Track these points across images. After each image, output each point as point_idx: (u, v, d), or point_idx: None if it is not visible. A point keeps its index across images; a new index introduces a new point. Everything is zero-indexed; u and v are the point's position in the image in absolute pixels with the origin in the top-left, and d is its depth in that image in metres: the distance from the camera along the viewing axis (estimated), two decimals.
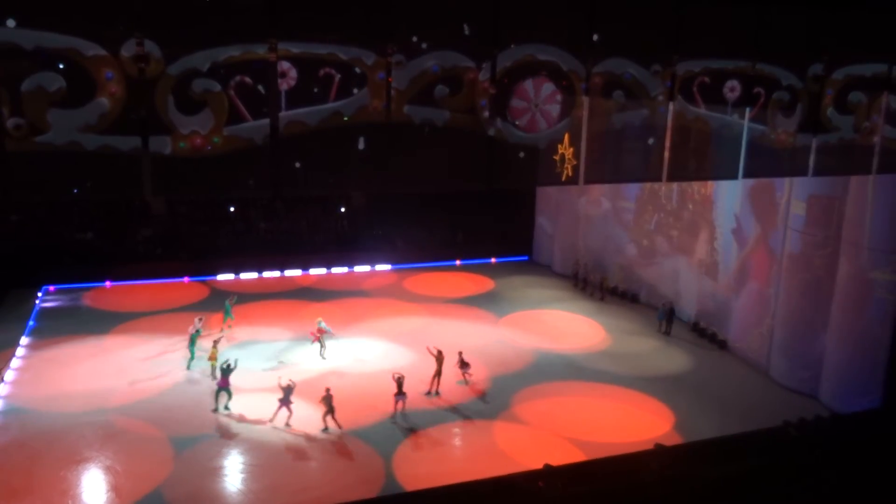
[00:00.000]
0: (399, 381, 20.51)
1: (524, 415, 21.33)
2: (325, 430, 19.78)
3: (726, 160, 17.09)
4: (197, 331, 23.81)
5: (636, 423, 21.08)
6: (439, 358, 22.13)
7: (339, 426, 19.80)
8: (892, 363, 21.06)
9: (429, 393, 21.99)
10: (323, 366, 24.00)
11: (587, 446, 19.36)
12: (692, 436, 19.90)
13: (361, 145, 13.61)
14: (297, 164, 13.33)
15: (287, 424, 19.86)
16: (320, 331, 24.68)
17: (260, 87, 12.73)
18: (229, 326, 26.49)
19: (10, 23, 11.04)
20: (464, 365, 22.90)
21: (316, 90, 13.12)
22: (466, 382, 22.90)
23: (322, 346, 24.66)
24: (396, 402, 20.63)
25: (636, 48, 15.42)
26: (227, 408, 20.73)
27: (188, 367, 23.26)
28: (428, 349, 22.62)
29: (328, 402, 19.73)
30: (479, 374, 23.75)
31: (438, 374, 22.10)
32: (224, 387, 20.65)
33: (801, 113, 17.15)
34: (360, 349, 25.56)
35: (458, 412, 21.30)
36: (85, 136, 11.86)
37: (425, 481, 17.08)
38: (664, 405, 22.25)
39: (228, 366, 20.67)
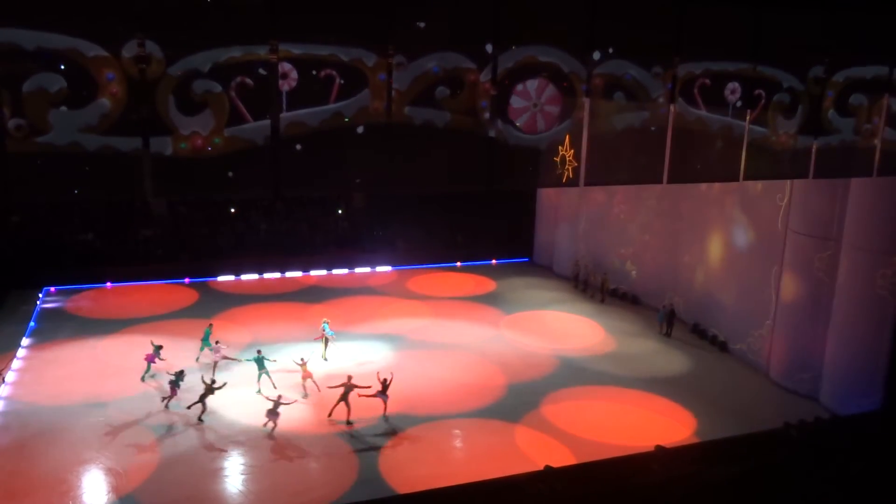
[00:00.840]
0: (276, 401, 19.55)
1: (535, 419, 21.29)
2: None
3: (727, 162, 17.09)
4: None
5: (657, 427, 20.97)
6: (348, 385, 20.20)
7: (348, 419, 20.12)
8: (893, 365, 21.06)
9: (349, 422, 20.21)
10: (325, 367, 23.93)
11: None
12: (700, 437, 19.94)
13: (361, 130, 13.53)
14: (298, 146, 13.20)
15: (384, 416, 20.66)
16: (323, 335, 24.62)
17: (261, 71, 12.65)
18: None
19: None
20: (383, 392, 20.59)
21: (316, 91, 13.12)
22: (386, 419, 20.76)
23: (324, 348, 24.65)
24: (271, 419, 19.56)
25: (637, 50, 15.42)
26: (142, 379, 22.16)
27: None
28: (329, 387, 20.87)
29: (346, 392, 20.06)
30: (494, 379, 23.82)
31: (343, 399, 20.20)
32: (148, 361, 22.40)
33: (802, 115, 17.16)
34: (363, 350, 25.50)
35: (466, 414, 21.30)
36: (86, 137, 11.86)
37: (426, 482, 17.05)
38: (682, 408, 22.25)
39: (160, 346, 22.80)
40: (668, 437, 19.84)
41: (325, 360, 24.48)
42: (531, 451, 19.26)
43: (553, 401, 22.34)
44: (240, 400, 21.38)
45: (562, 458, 18.45)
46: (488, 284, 34.53)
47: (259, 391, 21.58)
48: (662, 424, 21.17)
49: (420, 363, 24.15)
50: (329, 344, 24.79)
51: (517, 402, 22.09)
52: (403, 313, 29.82)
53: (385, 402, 20.80)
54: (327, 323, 24.98)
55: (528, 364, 25.06)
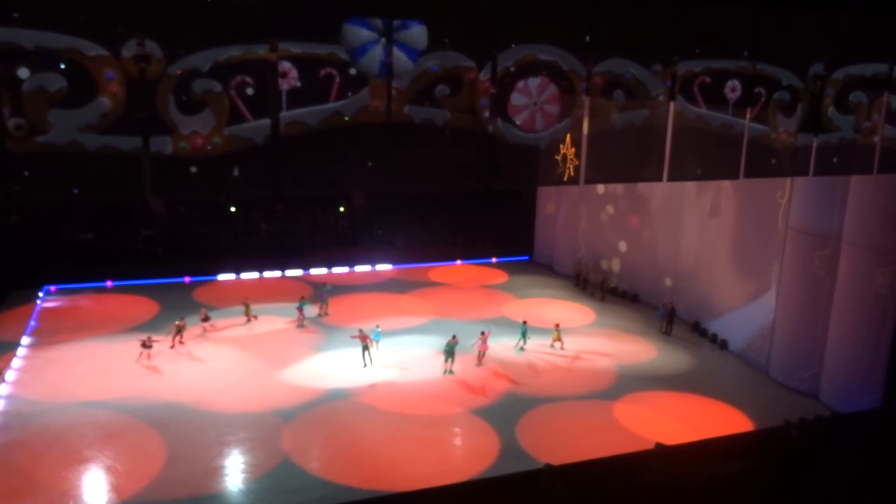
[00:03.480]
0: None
1: (524, 427, 21.32)
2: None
3: (727, 160, 17.08)
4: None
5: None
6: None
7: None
8: (893, 363, 21.07)
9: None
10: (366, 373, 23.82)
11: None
12: (699, 434, 19.93)
13: (359, 129, 13.59)
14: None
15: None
16: (363, 337, 24.03)
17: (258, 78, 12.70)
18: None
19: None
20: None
21: (316, 90, 13.11)
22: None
23: (366, 352, 24.02)
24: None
25: (637, 48, 15.41)
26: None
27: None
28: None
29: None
30: (493, 379, 23.74)
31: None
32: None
33: (802, 113, 17.14)
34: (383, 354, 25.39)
35: (467, 411, 21.36)
36: (86, 137, 11.85)
37: (429, 481, 17.09)
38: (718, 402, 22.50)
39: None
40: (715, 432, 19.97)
41: (365, 366, 23.89)
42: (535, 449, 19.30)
43: (554, 401, 22.37)
44: (240, 399, 21.42)
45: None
46: (494, 281, 34.59)
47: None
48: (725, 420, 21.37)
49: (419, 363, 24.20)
50: (370, 349, 24.11)
51: (511, 403, 22.10)
52: (405, 311, 29.98)
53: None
54: (378, 329, 24.97)
55: (529, 363, 25.10)
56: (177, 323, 25.48)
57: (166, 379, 22.64)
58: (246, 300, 28.63)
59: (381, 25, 12.87)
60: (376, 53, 12.93)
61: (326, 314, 28.99)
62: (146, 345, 23.81)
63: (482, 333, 24.56)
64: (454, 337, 23.91)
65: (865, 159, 18.16)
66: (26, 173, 11.85)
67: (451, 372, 23.56)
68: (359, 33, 12.75)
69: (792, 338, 23.65)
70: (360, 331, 24.12)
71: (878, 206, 20.85)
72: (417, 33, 13.18)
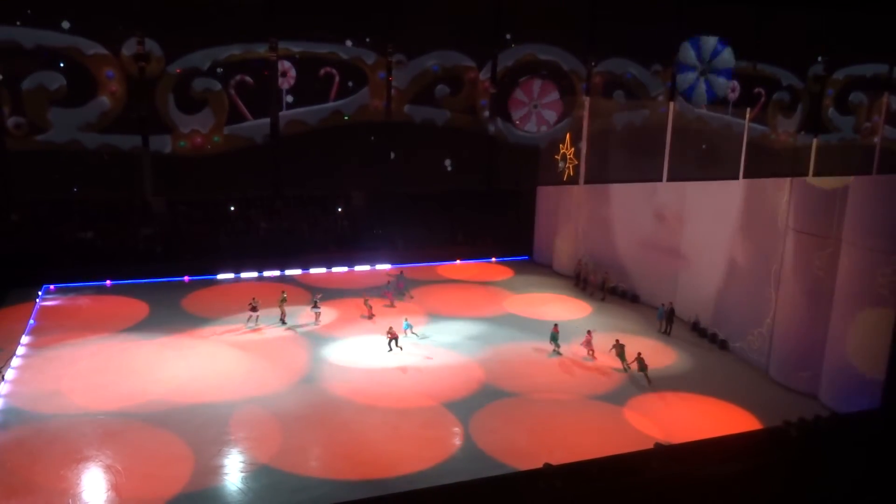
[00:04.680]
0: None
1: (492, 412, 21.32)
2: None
3: (727, 160, 17.10)
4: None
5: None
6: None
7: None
8: (893, 363, 21.06)
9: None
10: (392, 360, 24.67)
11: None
12: (699, 434, 19.92)
13: (360, 128, 13.67)
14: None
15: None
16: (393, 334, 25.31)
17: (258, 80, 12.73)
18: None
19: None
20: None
21: (316, 89, 13.13)
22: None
23: (393, 342, 25.27)
24: None
25: (637, 48, 15.43)
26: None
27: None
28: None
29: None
30: (475, 376, 23.76)
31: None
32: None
33: (802, 113, 17.17)
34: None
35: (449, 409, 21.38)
36: (85, 135, 11.87)
37: (428, 479, 17.07)
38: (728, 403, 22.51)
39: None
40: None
41: (391, 350, 25.13)
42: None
43: (555, 401, 22.37)
44: (241, 398, 21.41)
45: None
46: (491, 281, 34.62)
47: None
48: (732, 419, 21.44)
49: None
50: (396, 340, 25.35)
51: (510, 403, 22.13)
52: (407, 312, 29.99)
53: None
54: (409, 323, 26.60)
55: (530, 363, 25.14)
56: (282, 296, 27.74)
57: (166, 377, 22.61)
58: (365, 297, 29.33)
59: (699, 63, 15.49)
60: (702, 87, 15.51)
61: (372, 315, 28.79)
62: (253, 308, 26.76)
63: (588, 333, 26.14)
64: (556, 326, 26.23)
65: (865, 159, 18.20)
66: (26, 172, 11.88)
67: (559, 353, 25.77)
68: (685, 77, 15.35)
69: (792, 338, 23.64)
70: (391, 328, 25.38)
71: (878, 206, 20.85)
72: (726, 55, 15.55)
